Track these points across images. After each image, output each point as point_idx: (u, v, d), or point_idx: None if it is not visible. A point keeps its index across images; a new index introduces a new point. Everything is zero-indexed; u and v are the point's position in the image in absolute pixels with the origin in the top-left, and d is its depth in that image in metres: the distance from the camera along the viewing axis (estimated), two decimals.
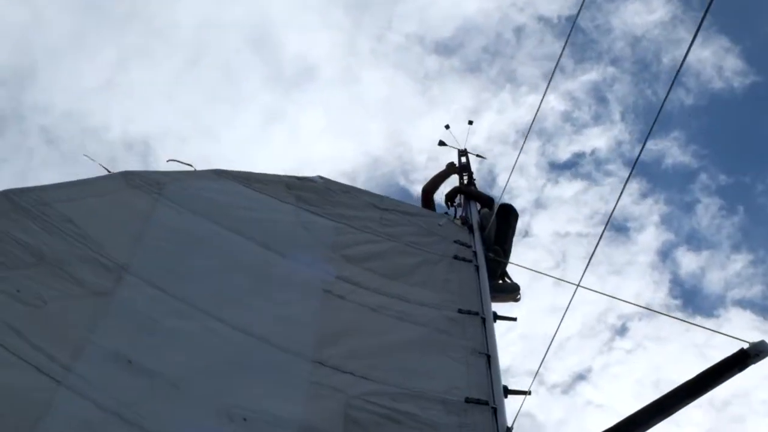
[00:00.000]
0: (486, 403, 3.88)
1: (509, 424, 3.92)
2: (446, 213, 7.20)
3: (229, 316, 3.81)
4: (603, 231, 4.53)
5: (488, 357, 4.39)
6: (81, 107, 16.71)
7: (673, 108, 17.63)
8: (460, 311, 4.83)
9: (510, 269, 6.68)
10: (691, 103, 17.61)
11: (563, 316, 4.67)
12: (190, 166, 5.37)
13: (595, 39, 16.82)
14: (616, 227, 16.59)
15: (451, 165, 8.20)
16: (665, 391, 3.17)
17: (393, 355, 4.16)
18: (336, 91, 18.74)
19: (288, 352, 3.80)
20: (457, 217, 6.96)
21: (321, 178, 6.07)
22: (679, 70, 3.56)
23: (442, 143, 8.93)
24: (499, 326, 5.04)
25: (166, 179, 4.77)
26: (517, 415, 4.05)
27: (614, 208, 4.34)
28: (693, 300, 17.58)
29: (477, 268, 5.63)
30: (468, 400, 3.88)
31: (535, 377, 4.68)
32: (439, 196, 7.66)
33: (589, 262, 4.58)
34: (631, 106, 18.05)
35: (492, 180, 15.53)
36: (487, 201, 7.23)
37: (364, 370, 3.86)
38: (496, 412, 3.88)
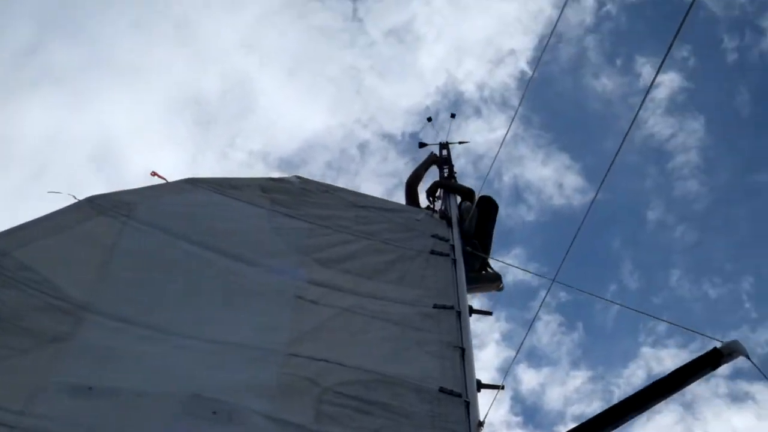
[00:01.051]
0: (459, 396, 3.86)
1: (481, 418, 3.90)
2: (428, 207, 7.17)
3: (200, 332, 3.73)
4: (579, 227, 4.53)
5: (462, 350, 4.37)
6: None
7: (514, 225, 17.93)
8: (435, 306, 4.81)
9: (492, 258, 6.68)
10: (532, 219, 18.03)
11: (537, 311, 4.67)
12: (164, 179, 5.30)
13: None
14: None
15: (432, 155, 8.17)
16: None
17: (368, 349, 4.14)
18: None
19: (260, 350, 3.75)
20: (437, 210, 6.94)
21: (298, 177, 6.03)
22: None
23: (422, 144, 8.88)
24: (479, 321, 5.03)
25: (136, 198, 4.65)
26: (489, 409, 4.04)
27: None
28: (533, 417, 17.71)
29: (454, 261, 5.61)
30: (442, 390, 3.86)
31: (508, 372, 4.67)
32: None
33: (564, 257, 4.58)
34: None
35: None
36: (467, 194, 7.20)
37: (338, 358, 3.82)
38: (469, 405, 3.86)
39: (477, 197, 6.75)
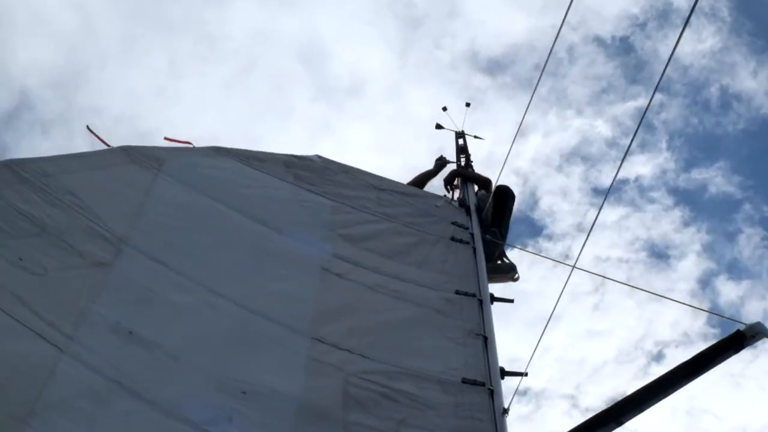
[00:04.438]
0: (482, 384, 3.88)
1: (506, 406, 3.91)
2: (444, 196, 7.16)
3: (227, 291, 3.78)
4: (602, 203, 4.49)
5: (485, 339, 4.38)
6: (130, 111, 16.25)
7: (722, 134, 17.19)
8: (457, 292, 4.81)
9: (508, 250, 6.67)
10: (741, 128, 17.09)
11: (559, 297, 4.65)
12: (190, 143, 5.38)
13: (646, 63, 16.40)
14: (657, 254, 16.06)
15: (439, 162, 7.94)
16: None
17: (390, 334, 4.15)
18: (383, 106, 18.31)
19: (286, 328, 3.78)
20: (455, 199, 6.93)
21: (319, 157, 6.06)
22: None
23: (439, 126, 8.80)
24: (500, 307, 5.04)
25: (166, 155, 4.74)
26: (513, 396, 4.05)
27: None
28: (732, 329, 17.19)
29: (474, 250, 5.63)
30: (465, 381, 3.87)
31: (531, 359, 4.67)
32: (438, 180, 7.57)
33: (585, 242, 4.56)
34: (678, 133, 17.50)
35: (534, 203, 15.71)
36: (484, 183, 7.18)
37: (361, 348, 3.84)
38: (493, 393, 3.87)
39: (494, 187, 6.73)
